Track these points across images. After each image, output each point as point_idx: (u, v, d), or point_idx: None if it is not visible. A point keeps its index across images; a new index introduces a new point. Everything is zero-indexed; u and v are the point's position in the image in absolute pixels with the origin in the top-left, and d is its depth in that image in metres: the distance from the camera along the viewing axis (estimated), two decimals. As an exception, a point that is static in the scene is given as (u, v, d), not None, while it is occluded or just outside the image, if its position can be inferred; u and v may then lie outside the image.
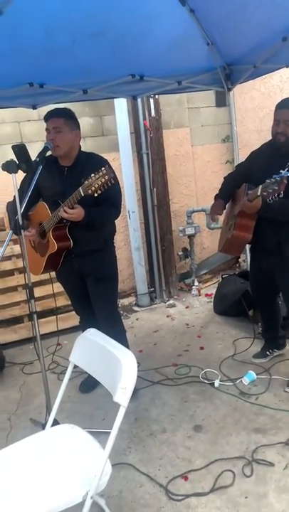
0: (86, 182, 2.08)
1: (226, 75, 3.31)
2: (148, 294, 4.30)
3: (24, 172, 2.15)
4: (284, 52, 2.77)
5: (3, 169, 2.02)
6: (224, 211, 2.80)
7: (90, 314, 2.70)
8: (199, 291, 4.33)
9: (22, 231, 2.09)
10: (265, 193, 2.15)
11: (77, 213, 2.24)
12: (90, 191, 2.08)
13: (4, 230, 3.98)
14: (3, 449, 1.64)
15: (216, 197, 2.77)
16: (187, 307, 4.14)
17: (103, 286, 2.58)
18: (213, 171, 4.85)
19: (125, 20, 2.49)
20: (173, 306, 4.20)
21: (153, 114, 4.12)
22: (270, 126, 2.44)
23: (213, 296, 4.01)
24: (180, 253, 4.49)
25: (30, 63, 2.63)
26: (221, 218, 2.89)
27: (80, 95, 3.03)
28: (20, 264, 3.87)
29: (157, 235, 4.34)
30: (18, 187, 2.12)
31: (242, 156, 4.84)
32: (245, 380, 2.69)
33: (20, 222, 2.06)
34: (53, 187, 2.42)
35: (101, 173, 2.06)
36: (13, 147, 2.07)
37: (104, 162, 2.36)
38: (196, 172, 4.78)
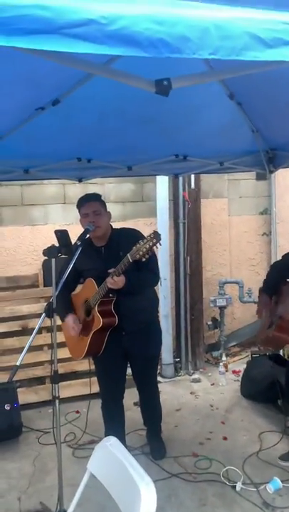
0: (134, 248, 2.14)
1: (269, 158, 3.34)
2: (173, 365, 4.18)
3: (63, 255, 2.19)
4: None
5: (44, 255, 2.07)
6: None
7: (119, 399, 2.74)
8: (226, 367, 4.17)
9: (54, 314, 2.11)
10: None
11: (120, 280, 2.29)
12: (138, 256, 2.13)
13: (38, 286, 4.04)
14: None
15: (261, 290, 2.72)
16: (213, 384, 3.97)
17: (150, 364, 2.73)
18: (248, 242, 4.81)
19: (175, 110, 2.59)
20: (198, 381, 4.04)
21: (193, 186, 4.19)
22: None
23: (240, 374, 3.85)
24: (209, 323, 4.38)
25: (80, 142, 2.77)
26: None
27: (125, 171, 3.12)
28: (48, 322, 3.87)
29: (187, 304, 4.28)
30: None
31: (279, 231, 4.81)
32: (270, 488, 2.47)
33: (54, 306, 2.08)
34: (94, 268, 2.49)
35: (149, 238, 2.13)
36: (56, 232, 2.13)
37: (137, 232, 2.50)
38: (232, 242, 4.75)
